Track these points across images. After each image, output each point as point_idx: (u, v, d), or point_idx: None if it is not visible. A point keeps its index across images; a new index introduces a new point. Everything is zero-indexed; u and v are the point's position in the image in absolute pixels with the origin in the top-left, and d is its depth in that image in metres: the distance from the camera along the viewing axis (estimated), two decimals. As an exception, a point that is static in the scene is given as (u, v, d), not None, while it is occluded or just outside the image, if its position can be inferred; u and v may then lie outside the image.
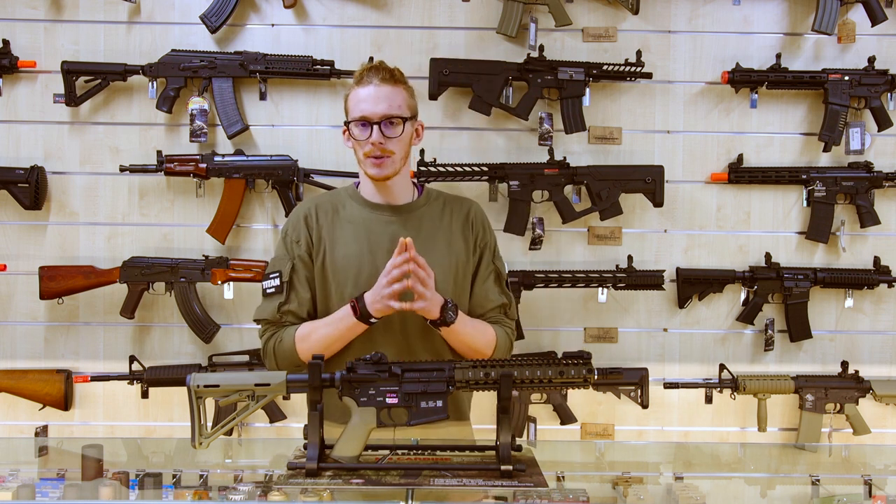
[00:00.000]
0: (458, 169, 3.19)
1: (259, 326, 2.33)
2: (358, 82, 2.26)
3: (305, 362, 2.19)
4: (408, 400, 1.87)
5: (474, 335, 2.26)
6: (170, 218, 3.32)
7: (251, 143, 3.31)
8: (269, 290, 2.29)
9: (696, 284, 3.31)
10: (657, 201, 3.26)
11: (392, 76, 2.26)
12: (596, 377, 1.90)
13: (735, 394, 3.26)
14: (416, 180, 2.41)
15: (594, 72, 3.25)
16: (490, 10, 3.30)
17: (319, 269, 2.29)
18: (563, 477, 2.11)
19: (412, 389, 1.87)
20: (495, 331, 2.32)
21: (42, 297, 3.20)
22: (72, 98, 3.21)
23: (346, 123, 2.28)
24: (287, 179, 3.22)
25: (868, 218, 3.31)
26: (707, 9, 3.35)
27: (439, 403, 1.87)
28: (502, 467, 1.84)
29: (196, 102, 3.22)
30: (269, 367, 2.30)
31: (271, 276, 2.30)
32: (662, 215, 3.35)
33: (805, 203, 3.33)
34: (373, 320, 2.18)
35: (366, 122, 2.22)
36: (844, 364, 3.29)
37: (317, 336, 2.22)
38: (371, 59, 3.21)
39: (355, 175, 3.20)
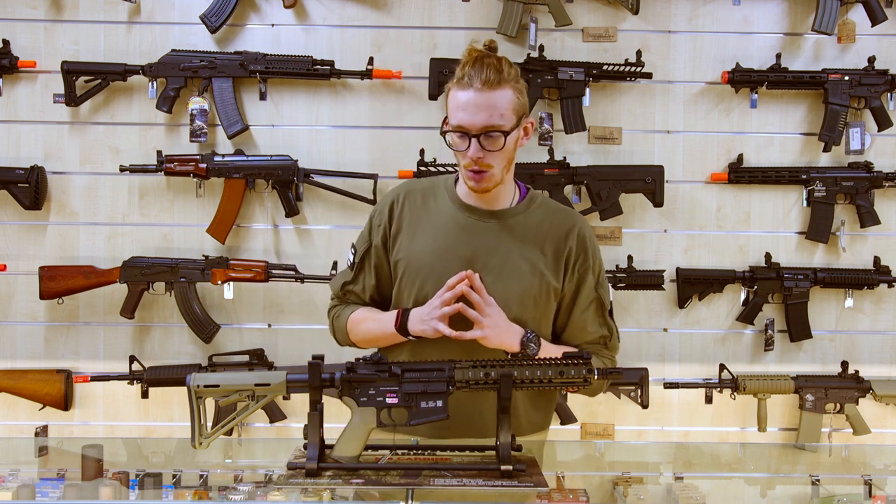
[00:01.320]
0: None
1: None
2: (459, 81, 2.01)
3: (355, 344, 2.21)
4: (408, 400, 1.87)
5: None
6: (170, 218, 3.32)
7: (251, 143, 3.31)
8: (347, 262, 2.24)
9: (696, 284, 3.31)
10: (657, 201, 3.26)
11: (497, 75, 1.99)
12: (596, 377, 1.89)
13: (735, 394, 3.26)
14: (520, 182, 2.20)
15: (594, 72, 3.25)
16: (490, 10, 3.30)
17: (395, 260, 2.16)
18: (563, 477, 2.11)
19: (412, 389, 1.87)
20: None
21: (42, 297, 3.20)
22: (72, 98, 3.21)
23: (444, 131, 2.05)
24: (287, 179, 3.22)
25: (868, 218, 3.31)
26: (707, 9, 3.35)
27: (439, 403, 1.87)
28: (502, 467, 1.83)
29: (196, 102, 3.22)
30: (330, 335, 2.28)
31: (352, 248, 2.23)
32: (662, 215, 3.35)
33: (805, 203, 3.33)
34: (411, 337, 2.08)
35: (464, 133, 2.01)
36: (844, 364, 3.29)
37: (364, 328, 2.17)
38: (371, 59, 3.22)
39: (356, 175, 3.25)
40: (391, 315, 2.12)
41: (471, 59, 2.01)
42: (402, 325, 2.08)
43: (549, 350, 2.09)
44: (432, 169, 3.17)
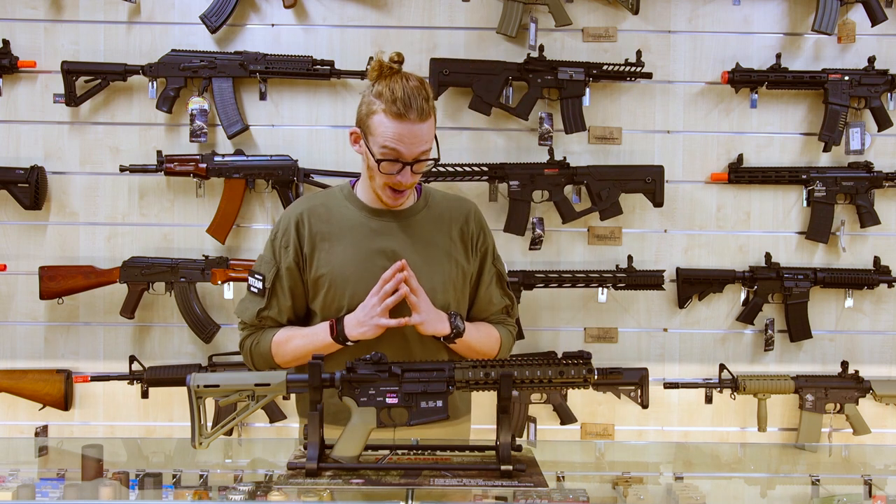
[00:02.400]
0: (458, 169, 3.19)
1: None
2: (391, 112, 2.06)
3: (280, 366, 2.20)
4: (408, 400, 1.87)
5: (481, 339, 2.24)
6: (170, 218, 3.32)
7: (251, 143, 3.32)
8: (253, 290, 2.25)
9: (696, 284, 3.31)
10: (657, 201, 3.26)
11: (427, 105, 2.08)
12: (596, 377, 1.89)
13: (735, 394, 3.26)
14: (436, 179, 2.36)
15: (594, 72, 3.25)
16: (490, 10, 3.30)
17: (312, 277, 2.20)
18: (563, 477, 2.11)
19: (412, 389, 1.87)
20: (499, 331, 2.30)
21: (42, 297, 3.20)
22: (72, 98, 3.21)
23: (375, 158, 2.09)
24: (287, 179, 3.22)
25: (868, 218, 3.31)
26: (707, 9, 3.35)
27: (439, 403, 1.87)
28: (502, 467, 1.84)
29: (196, 102, 3.22)
30: (247, 366, 2.28)
31: (256, 275, 2.24)
32: (662, 215, 3.35)
33: (805, 203, 3.33)
34: (349, 343, 2.12)
35: (397, 162, 2.09)
36: (844, 364, 3.29)
37: (292, 345, 2.18)
38: (371, 59, 3.22)
39: (356, 175, 3.23)
40: (322, 327, 2.16)
41: (397, 84, 2.08)
42: (338, 334, 2.12)
43: (470, 327, 2.22)
44: (432, 169, 3.16)
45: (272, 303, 2.23)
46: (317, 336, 2.16)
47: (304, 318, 2.28)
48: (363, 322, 2.10)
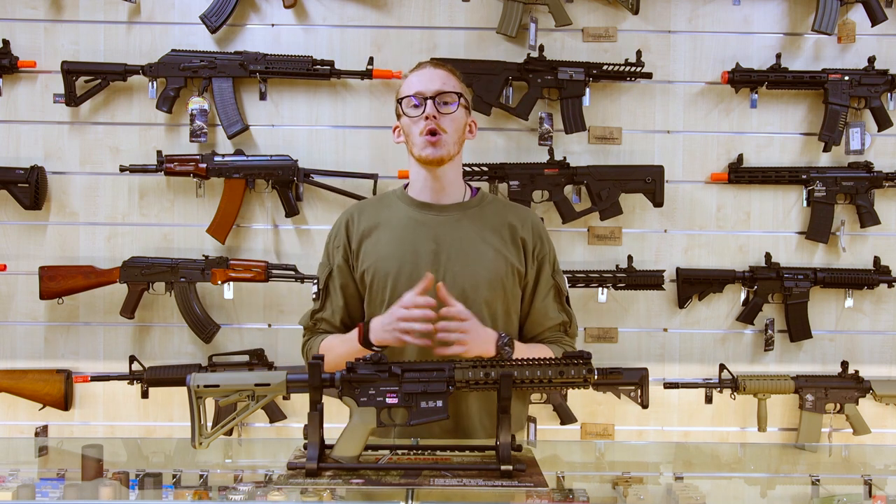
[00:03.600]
0: (458, 169, 3.19)
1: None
2: (411, 70, 2.24)
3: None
4: (408, 400, 1.87)
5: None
6: (170, 218, 3.32)
7: (251, 143, 3.32)
8: (312, 296, 2.30)
9: (696, 284, 3.31)
10: (657, 201, 3.26)
11: (446, 65, 2.24)
12: (596, 377, 1.89)
13: (735, 394, 3.26)
14: (469, 182, 2.31)
15: (594, 72, 3.25)
16: (490, 10, 3.30)
17: (360, 273, 2.21)
18: (563, 477, 2.11)
19: (412, 389, 1.87)
20: (553, 352, 2.22)
21: (42, 297, 3.20)
22: (72, 98, 3.21)
23: (399, 103, 2.20)
24: (287, 179, 3.22)
25: (868, 218, 3.31)
26: (707, 9, 3.35)
27: (439, 403, 1.87)
28: (502, 467, 1.84)
29: (196, 102, 3.22)
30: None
31: (314, 280, 2.29)
32: (662, 215, 3.35)
33: (805, 203, 3.33)
34: (375, 348, 2.06)
35: (419, 99, 2.16)
36: (844, 364, 3.29)
37: (334, 354, 2.14)
38: (371, 59, 3.22)
39: (356, 175, 3.25)
40: (354, 331, 2.13)
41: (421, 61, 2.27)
42: (364, 337, 2.08)
43: (522, 350, 2.12)
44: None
45: (326, 304, 2.26)
46: (350, 341, 2.13)
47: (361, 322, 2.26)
48: (387, 329, 2.03)
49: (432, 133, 2.14)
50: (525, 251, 2.22)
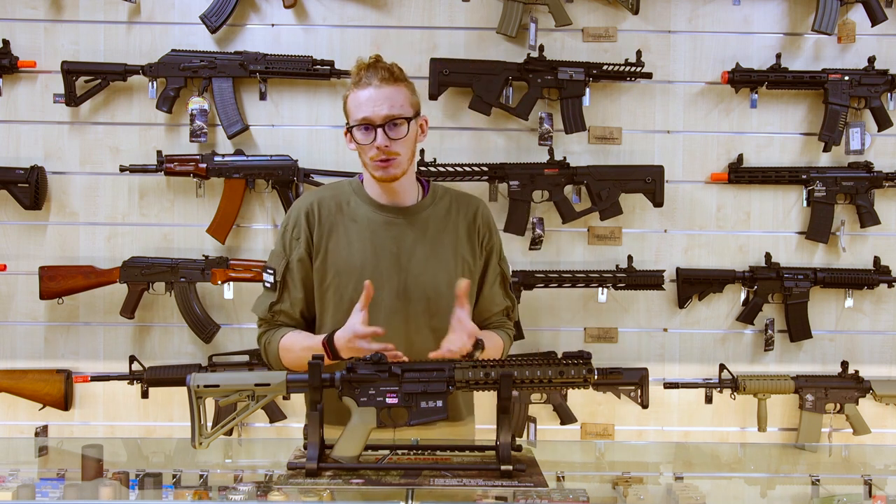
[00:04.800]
0: (459, 169, 3.19)
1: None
2: (356, 84, 2.16)
3: (289, 368, 2.17)
4: (408, 400, 1.87)
5: (488, 350, 2.19)
6: (170, 218, 3.32)
7: (251, 143, 3.32)
8: (266, 285, 2.27)
9: (696, 284, 3.31)
10: (657, 201, 3.26)
11: (391, 74, 2.16)
12: (596, 377, 1.89)
13: (735, 394, 3.26)
14: (420, 178, 2.34)
15: (594, 72, 3.25)
16: (490, 10, 3.30)
17: (319, 268, 2.23)
18: (563, 477, 2.11)
19: (412, 389, 1.87)
20: (500, 337, 2.30)
21: (42, 297, 3.20)
22: (72, 98, 3.21)
23: (349, 127, 2.18)
24: (287, 179, 3.22)
25: (868, 218, 3.31)
26: (707, 9, 3.35)
27: (439, 403, 1.87)
28: (502, 467, 1.84)
29: (196, 102, 3.22)
30: (265, 361, 2.30)
31: (268, 270, 2.26)
32: (662, 215, 3.35)
33: (805, 203, 3.33)
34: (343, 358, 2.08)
35: (369, 126, 2.13)
36: (844, 364, 3.29)
37: (294, 353, 2.18)
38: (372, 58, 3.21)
39: (356, 175, 3.24)
40: (318, 343, 2.12)
41: (363, 65, 2.18)
42: (334, 355, 2.08)
43: (489, 338, 2.20)
44: (432, 169, 3.17)
45: (284, 296, 2.25)
46: (312, 348, 2.12)
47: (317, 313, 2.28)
48: (350, 346, 2.04)
49: (384, 160, 2.15)
50: (477, 242, 2.29)
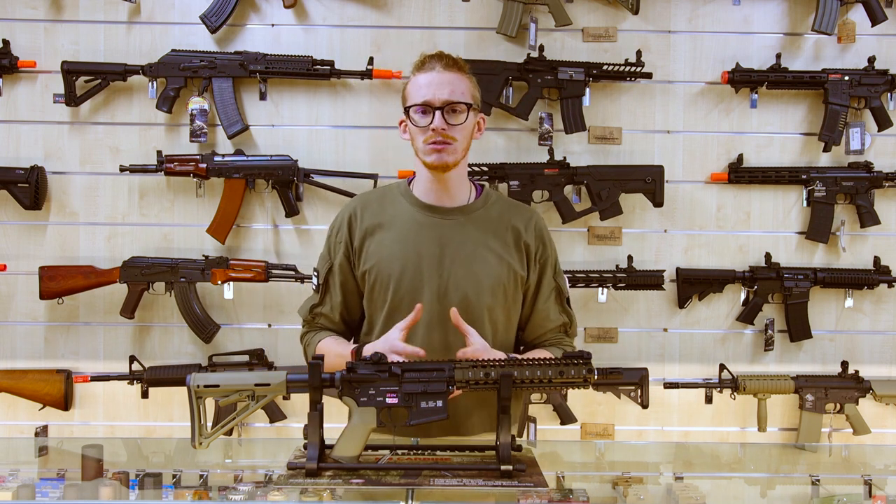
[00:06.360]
0: (458, 169, 3.19)
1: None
2: (419, 69, 2.14)
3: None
4: (408, 400, 1.87)
5: None
6: (170, 218, 3.32)
7: (251, 143, 3.31)
8: (312, 287, 2.30)
9: (696, 284, 3.31)
10: (657, 201, 3.26)
11: (456, 63, 2.15)
12: (596, 377, 1.89)
13: (735, 394, 3.26)
14: (474, 180, 2.29)
15: (594, 72, 3.25)
16: (490, 10, 3.30)
17: (361, 271, 2.20)
18: (563, 477, 2.11)
19: (412, 389, 1.87)
20: (554, 355, 2.20)
21: (42, 297, 3.20)
22: (72, 98, 3.21)
23: (406, 111, 2.14)
24: (287, 179, 3.22)
25: (868, 218, 3.31)
26: (707, 9, 3.35)
27: (439, 403, 1.87)
28: (502, 467, 1.84)
29: (196, 102, 3.22)
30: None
31: (314, 272, 2.28)
32: (662, 215, 3.35)
33: (805, 203, 3.33)
34: None
35: (427, 108, 2.10)
36: (844, 364, 3.29)
37: (329, 360, 2.09)
38: (371, 59, 3.22)
39: (356, 175, 3.25)
40: (349, 347, 2.14)
41: (428, 54, 2.17)
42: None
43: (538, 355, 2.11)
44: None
45: (325, 299, 2.26)
46: (344, 356, 2.10)
47: (359, 320, 2.28)
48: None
49: (439, 143, 2.11)
50: (528, 255, 2.22)
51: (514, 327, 2.25)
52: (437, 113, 2.09)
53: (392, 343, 2.01)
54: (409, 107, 2.13)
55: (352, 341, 2.29)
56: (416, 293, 2.13)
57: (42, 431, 3.26)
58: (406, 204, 2.22)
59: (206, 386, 1.87)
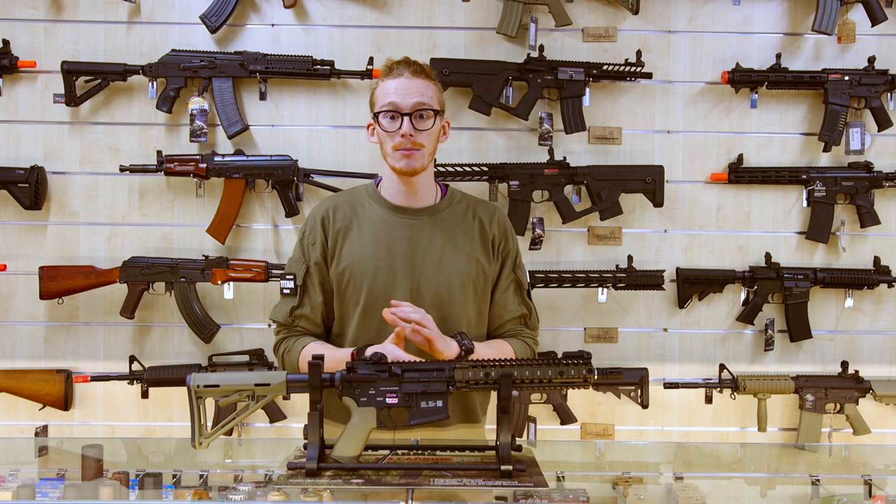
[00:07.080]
0: (459, 169, 3.19)
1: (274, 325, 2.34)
2: (387, 74, 2.22)
3: None
4: (408, 400, 1.87)
5: (492, 355, 2.13)
6: (170, 218, 3.32)
7: (251, 143, 3.32)
8: (284, 291, 2.29)
9: (696, 284, 3.31)
10: (657, 201, 3.26)
11: (422, 69, 2.22)
12: (596, 377, 1.90)
13: (735, 394, 3.26)
14: (439, 181, 2.36)
15: (594, 72, 3.25)
16: (490, 10, 3.30)
17: (335, 270, 2.26)
18: (563, 477, 2.11)
19: (412, 389, 1.87)
20: (512, 345, 2.28)
21: (42, 297, 3.20)
22: (72, 98, 3.21)
23: (375, 115, 2.22)
24: (287, 179, 3.22)
25: (868, 218, 3.31)
26: (707, 9, 3.35)
27: (439, 403, 1.87)
28: (502, 467, 1.84)
29: (196, 102, 3.22)
30: (278, 367, 2.31)
31: (287, 276, 2.29)
32: (662, 215, 3.35)
33: (805, 203, 3.33)
34: None
35: (395, 114, 2.17)
36: (844, 364, 3.29)
37: (327, 365, 2.16)
38: (371, 59, 3.22)
39: (356, 175, 3.24)
40: (346, 352, 2.13)
41: (395, 60, 2.25)
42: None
43: (481, 347, 2.19)
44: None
45: (304, 300, 2.27)
46: (340, 361, 2.07)
47: (335, 320, 2.30)
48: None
49: (407, 149, 2.18)
50: (492, 248, 2.29)
51: (485, 321, 2.32)
52: (406, 119, 2.16)
53: (396, 355, 2.03)
54: (378, 112, 2.20)
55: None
56: (389, 292, 2.19)
57: (42, 431, 3.26)
58: (375, 206, 2.28)
59: (206, 386, 1.87)
